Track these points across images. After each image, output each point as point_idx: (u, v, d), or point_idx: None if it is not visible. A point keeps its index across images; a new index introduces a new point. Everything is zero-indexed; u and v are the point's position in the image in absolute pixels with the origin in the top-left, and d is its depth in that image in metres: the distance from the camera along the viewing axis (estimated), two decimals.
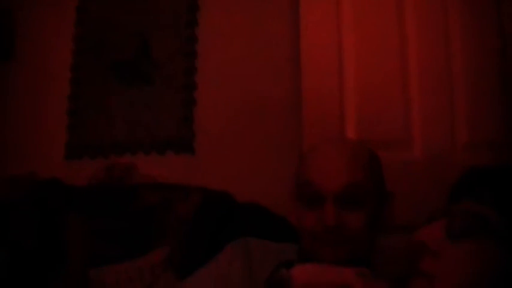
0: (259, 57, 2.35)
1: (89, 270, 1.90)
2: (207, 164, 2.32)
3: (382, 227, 1.35)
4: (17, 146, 2.46)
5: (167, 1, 2.45)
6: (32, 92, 2.52)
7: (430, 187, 2.07)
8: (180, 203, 2.08)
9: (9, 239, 1.92)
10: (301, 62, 2.16)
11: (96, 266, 1.91)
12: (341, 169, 1.28)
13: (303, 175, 1.33)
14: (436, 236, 0.91)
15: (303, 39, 2.19)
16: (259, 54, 2.35)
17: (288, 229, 1.53)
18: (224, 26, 2.40)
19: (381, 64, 2.17)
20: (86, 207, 2.04)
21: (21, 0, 2.58)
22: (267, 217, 2.00)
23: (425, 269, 0.90)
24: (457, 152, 2.17)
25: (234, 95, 2.34)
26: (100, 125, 2.41)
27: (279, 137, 2.27)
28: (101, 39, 2.48)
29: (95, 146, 2.39)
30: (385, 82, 2.16)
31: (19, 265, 1.88)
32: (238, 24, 2.39)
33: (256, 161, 2.28)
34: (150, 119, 2.37)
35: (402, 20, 2.20)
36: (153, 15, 2.45)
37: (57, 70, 2.50)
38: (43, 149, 2.42)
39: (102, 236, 1.98)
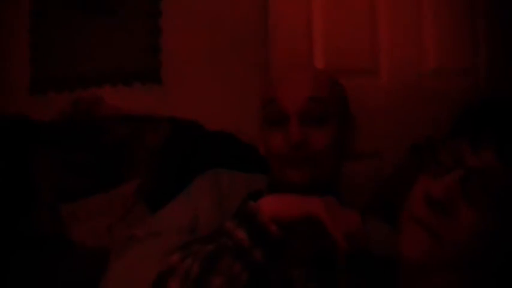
0: None
1: (59, 205, 1.91)
2: (175, 94, 2.29)
3: (346, 150, 1.40)
4: None
5: None
6: None
7: (397, 115, 2.11)
8: (149, 134, 2.08)
9: None
10: None
11: (67, 200, 1.92)
12: (304, 86, 1.33)
13: (268, 94, 1.36)
14: (453, 193, 0.83)
15: None
16: None
17: (256, 157, 1.54)
18: None
19: None
20: (54, 142, 2.03)
21: None
22: (237, 145, 2.02)
23: (432, 224, 0.83)
24: (424, 79, 2.19)
25: (201, 23, 2.29)
26: (64, 58, 2.34)
27: (247, 66, 2.25)
28: None
29: (59, 80, 2.33)
30: (353, 10, 2.15)
31: None
32: None
33: (225, 90, 2.27)
34: (116, 50, 2.32)
35: None
36: None
37: (19, 2, 2.41)
38: (6, 85, 2.37)
39: (71, 170, 1.98)
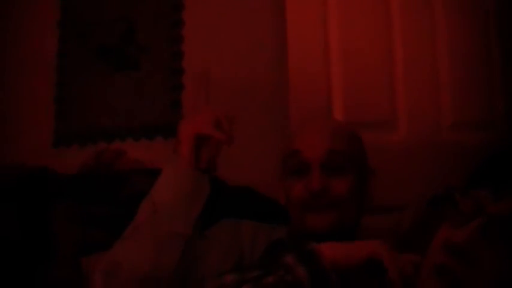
0: (247, 41, 2.35)
1: (80, 259, 1.91)
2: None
3: (366, 202, 1.44)
4: (4, 136, 2.45)
5: None
6: (18, 80, 2.51)
7: (415, 168, 2.10)
8: None
9: None
10: (288, 47, 2.16)
11: (87, 253, 1.91)
12: (325, 138, 1.39)
13: (290, 146, 1.43)
14: (475, 240, 0.83)
15: (289, 29, 2.18)
16: (247, 38, 2.35)
17: (277, 210, 1.55)
18: (210, 10, 2.39)
19: (367, 46, 2.18)
20: (76, 194, 2.04)
21: None
22: (257, 199, 2.02)
23: (455, 271, 0.83)
24: (442, 133, 2.20)
25: (221, 80, 2.34)
26: (88, 112, 2.40)
27: (267, 120, 2.28)
28: (86, 24, 2.47)
29: (83, 133, 2.39)
30: (371, 64, 2.17)
31: (5, 257, 1.88)
32: (224, 6, 2.38)
33: (244, 145, 2.28)
34: (139, 104, 2.37)
35: (387, 2, 2.21)
36: None
37: (43, 57, 2.48)
38: (31, 138, 2.41)
39: (92, 223, 1.98)
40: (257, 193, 2.04)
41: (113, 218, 2.00)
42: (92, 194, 2.07)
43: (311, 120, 1.62)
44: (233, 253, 1.41)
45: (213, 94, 2.33)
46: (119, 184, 2.08)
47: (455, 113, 2.20)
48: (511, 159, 0.91)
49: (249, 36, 2.35)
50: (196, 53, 2.38)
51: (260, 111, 2.30)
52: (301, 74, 2.15)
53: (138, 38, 2.41)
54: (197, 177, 1.31)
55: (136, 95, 2.38)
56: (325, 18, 2.18)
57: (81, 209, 2.02)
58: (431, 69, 2.21)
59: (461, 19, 2.24)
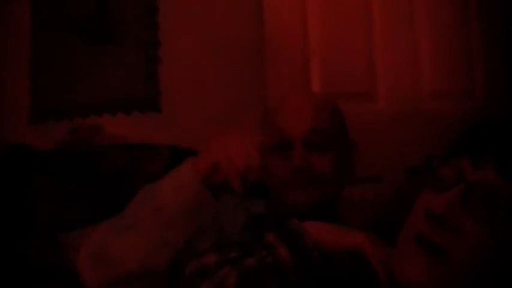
0: (224, 13, 2.32)
1: (58, 234, 1.90)
2: (175, 122, 2.30)
3: (348, 176, 1.43)
4: None
5: None
6: None
7: (395, 138, 2.11)
8: (149, 163, 2.07)
9: None
10: (265, 17, 2.15)
11: (65, 229, 1.90)
12: (307, 116, 1.37)
13: (272, 124, 1.39)
14: (456, 208, 0.81)
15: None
16: (221, 5, 2.32)
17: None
18: None
19: (346, 16, 2.18)
20: (53, 170, 2.02)
21: None
22: None
23: (435, 239, 0.81)
24: (422, 103, 2.21)
25: (199, 52, 2.32)
26: (64, 87, 2.35)
27: (245, 92, 2.27)
28: None
29: (59, 109, 2.34)
30: (350, 35, 2.17)
31: None
32: None
33: (223, 116, 2.27)
34: (115, 78, 2.33)
35: None
36: None
37: (16, 32, 2.43)
38: (6, 115, 2.37)
39: (70, 199, 1.97)
40: None
41: (90, 193, 1.98)
42: (70, 169, 2.05)
43: (292, 95, 1.58)
44: (214, 228, 1.40)
45: (192, 67, 2.31)
46: (97, 159, 2.06)
47: (435, 82, 2.21)
48: (491, 129, 0.89)
49: (226, 4, 2.32)
50: (172, 25, 2.34)
51: (239, 84, 2.29)
52: (279, 45, 2.14)
53: (113, 11, 2.36)
54: (204, 193, 1.21)
55: (112, 69, 2.34)
56: None
57: (59, 185, 2.01)
58: (410, 39, 2.21)
59: None
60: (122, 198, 1.99)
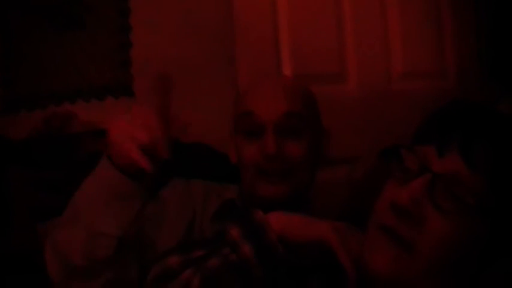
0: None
1: (36, 225, 1.89)
2: (149, 106, 2.29)
3: (320, 160, 1.42)
4: None
5: None
6: None
7: (366, 119, 2.12)
8: None
9: None
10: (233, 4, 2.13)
11: (43, 218, 1.90)
12: (280, 99, 1.33)
13: (243, 106, 1.37)
14: (420, 200, 0.80)
15: None
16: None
17: (230, 167, 1.54)
18: None
19: None
20: (27, 160, 2.01)
21: None
22: (210, 156, 2.02)
23: (400, 232, 0.80)
24: (392, 83, 2.21)
25: (171, 35, 2.30)
26: (35, 76, 2.32)
27: (219, 75, 2.26)
28: None
29: (31, 98, 2.32)
30: (319, 15, 2.16)
31: None
32: None
33: (197, 100, 2.27)
34: (87, 65, 2.31)
35: None
36: None
37: None
38: None
39: (47, 187, 1.96)
40: (210, 149, 2.04)
41: (65, 181, 1.98)
42: (44, 158, 2.04)
43: (264, 78, 1.56)
44: (186, 214, 1.41)
45: (164, 52, 2.29)
46: (71, 147, 2.06)
47: (405, 62, 2.22)
48: (457, 110, 0.88)
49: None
50: (143, 9, 2.32)
51: (212, 65, 2.27)
52: (248, 27, 2.11)
53: None
54: (124, 181, 1.16)
55: (84, 55, 2.31)
56: None
57: (35, 174, 2.00)
58: (380, 18, 2.21)
59: None
60: None
